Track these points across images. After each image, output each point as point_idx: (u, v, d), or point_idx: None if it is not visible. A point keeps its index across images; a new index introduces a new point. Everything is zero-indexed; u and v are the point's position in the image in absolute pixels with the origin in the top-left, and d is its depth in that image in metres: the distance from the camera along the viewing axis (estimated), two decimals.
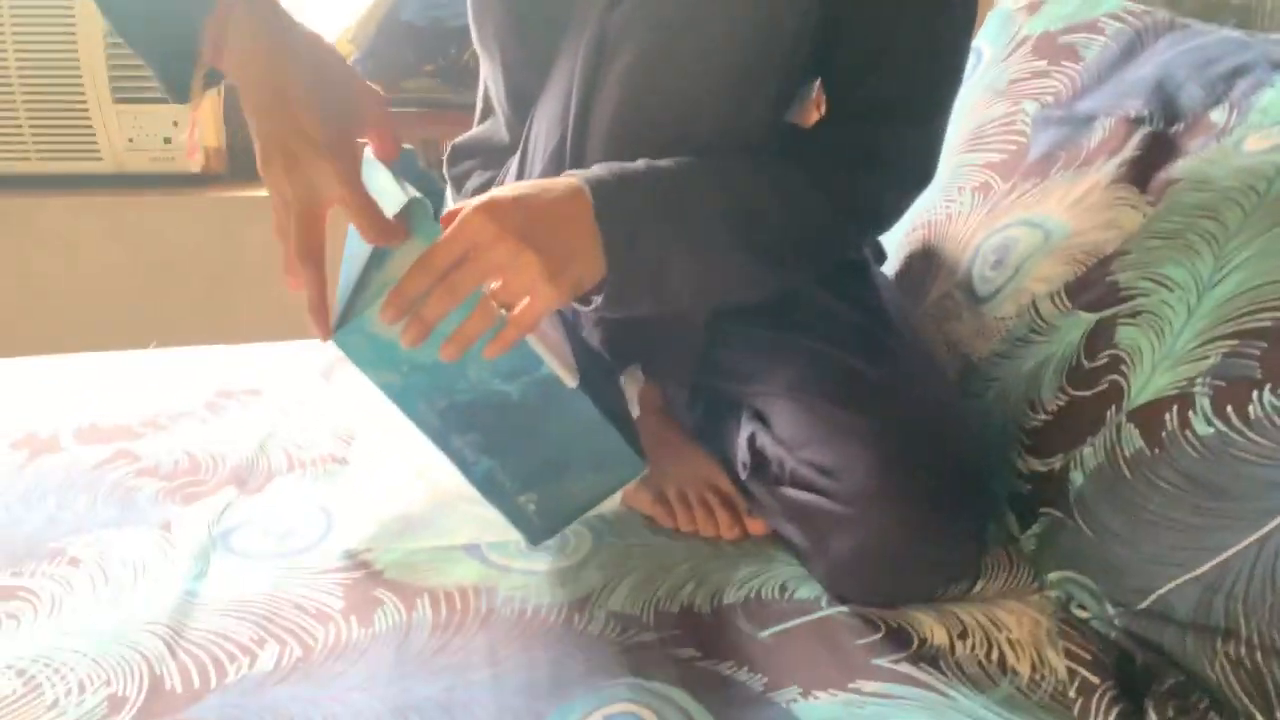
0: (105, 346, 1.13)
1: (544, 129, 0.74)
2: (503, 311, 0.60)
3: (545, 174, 0.72)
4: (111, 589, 0.67)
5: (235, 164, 1.71)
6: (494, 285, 0.60)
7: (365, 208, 0.60)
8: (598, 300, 0.65)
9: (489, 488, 0.69)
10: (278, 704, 0.57)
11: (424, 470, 0.81)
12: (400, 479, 0.82)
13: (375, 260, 0.64)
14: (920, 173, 0.76)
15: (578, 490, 0.70)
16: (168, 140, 1.64)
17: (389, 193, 0.64)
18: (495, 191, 0.61)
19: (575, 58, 0.69)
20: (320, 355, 1.11)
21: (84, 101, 1.61)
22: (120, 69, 1.59)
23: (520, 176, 0.77)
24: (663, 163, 0.65)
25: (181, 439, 0.90)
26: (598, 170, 0.63)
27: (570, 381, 0.64)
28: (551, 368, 0.63)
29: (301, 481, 0.83)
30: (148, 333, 1.29)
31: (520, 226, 0.58)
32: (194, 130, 0.62)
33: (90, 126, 1.62)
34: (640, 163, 0.65)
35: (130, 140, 1.64)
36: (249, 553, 0.72)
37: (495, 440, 0.66)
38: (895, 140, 0.73)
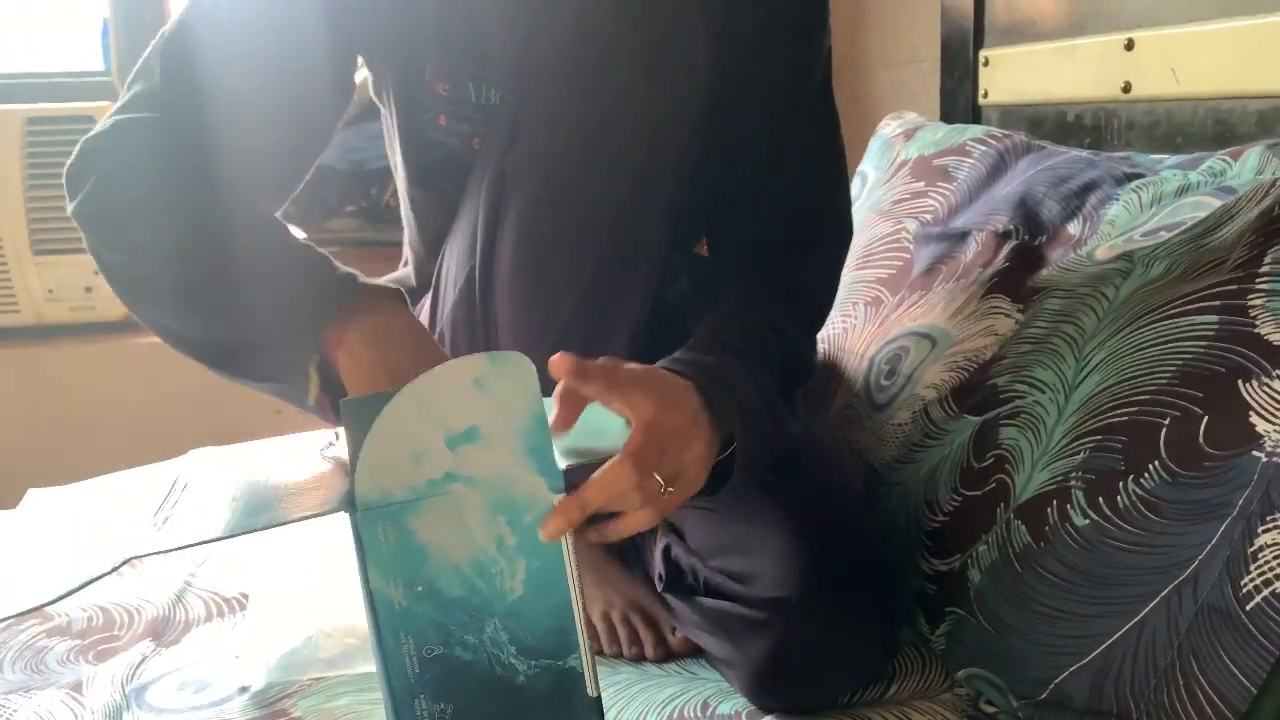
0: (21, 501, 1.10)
1: (454, 264, 0.78)
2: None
3: (456, 306, 0.75)
4: None
5: None
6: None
7: None
8: None
9: None
10: None
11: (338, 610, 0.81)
12: (314, 618, 0.81)
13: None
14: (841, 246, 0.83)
15: None
16: (89, 289, 1.64)
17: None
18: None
19: (479, 198, 0.74)
20: None
21: (2, 256, 1.61)
22: (39, 222, 1.61)
23: (434, 308, 0.80)
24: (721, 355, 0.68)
25: (95, 594, 0.88)
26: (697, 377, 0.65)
27: (592, 689, 0.55)
28: (583, 661, 0.54)
29: (220, 630, 0.82)
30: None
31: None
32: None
33: (9, 280, 1.62)
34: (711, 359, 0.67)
35: (50, 291, 1.64)
36: (165, 708, 0.71)
37: None
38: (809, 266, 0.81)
